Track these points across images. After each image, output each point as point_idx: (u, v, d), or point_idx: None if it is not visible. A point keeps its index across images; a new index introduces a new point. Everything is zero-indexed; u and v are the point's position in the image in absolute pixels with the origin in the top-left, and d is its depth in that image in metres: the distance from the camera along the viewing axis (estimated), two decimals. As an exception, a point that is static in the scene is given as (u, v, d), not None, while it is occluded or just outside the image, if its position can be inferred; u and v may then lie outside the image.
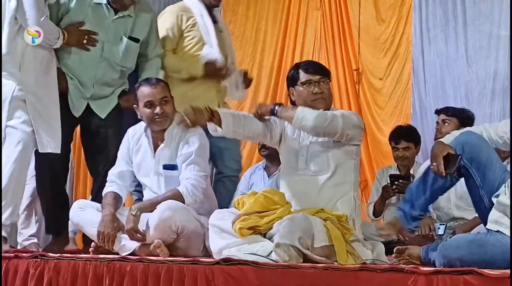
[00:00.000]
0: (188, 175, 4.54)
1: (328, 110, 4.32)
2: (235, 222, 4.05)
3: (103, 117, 5.06)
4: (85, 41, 4.96)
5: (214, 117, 4.27)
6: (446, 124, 5.87)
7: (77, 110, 5.04)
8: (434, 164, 3.69)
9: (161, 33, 5.18)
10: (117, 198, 4.64)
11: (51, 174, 4.99)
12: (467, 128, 3.86)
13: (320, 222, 3.99)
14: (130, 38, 5.06)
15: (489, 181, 3.64)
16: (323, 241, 3.94)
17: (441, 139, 3.82)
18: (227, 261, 3.67)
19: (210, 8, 5.27)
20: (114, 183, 4.73)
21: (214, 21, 5.27)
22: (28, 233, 5.58)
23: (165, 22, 5.21)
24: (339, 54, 7.13)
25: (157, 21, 5.22)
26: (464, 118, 5.78)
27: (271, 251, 3.88)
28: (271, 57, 7.55)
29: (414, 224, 3.90)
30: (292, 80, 4.38)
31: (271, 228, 4.06)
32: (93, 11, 5.00)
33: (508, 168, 3.96)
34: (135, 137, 4.79)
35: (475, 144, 3.69)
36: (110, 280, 3.93)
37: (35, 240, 5.58)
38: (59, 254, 4.27)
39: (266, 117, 4.36)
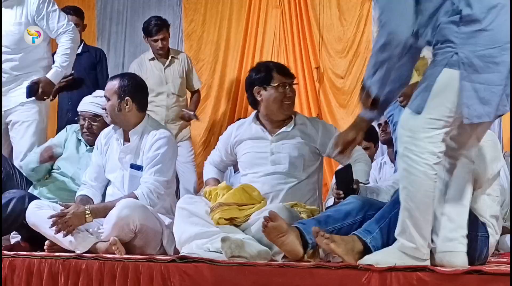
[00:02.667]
0: (147, 179, 4.56)
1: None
2: (214, 210, 4.05)
3: None
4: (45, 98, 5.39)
5: None
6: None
7: None
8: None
9: None
10: (85, 200, 4.70)
11: None
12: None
13: (297, 214, 4.04)
14: None
15: None
16: None
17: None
18: (183, 258, 3.67)
19: None
20: (86, 185, 4.82)
21: None
22: None
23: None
24: (298, 52, 7.14)
25: None
26: None
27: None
28: (234, 55, 7.55)
29: None
30: (263, 81, 4.41)
31: (246, 221, 4.08)
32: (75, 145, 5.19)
33: None
34: (106, 137, 4.86)
35: None
36: (66, 278, 3.91)
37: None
38: (13, 252, 4.25)
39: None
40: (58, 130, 5.78)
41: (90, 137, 5.09)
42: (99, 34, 8.18)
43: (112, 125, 4.81)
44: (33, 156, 5.13)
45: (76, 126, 5.24)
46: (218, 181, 4.60)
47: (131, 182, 4.65)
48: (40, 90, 5.41)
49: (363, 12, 6.99)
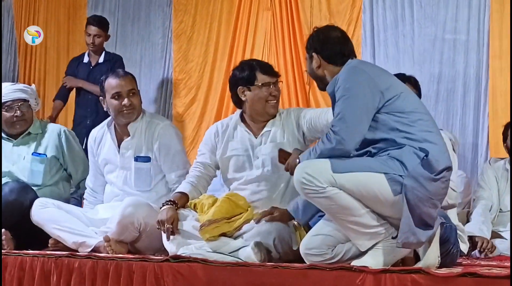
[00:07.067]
0: (173, 179, 4.61)
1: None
2: (203, 229, 4.00)
3: None
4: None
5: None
6: None
7: None
8: None
9: None
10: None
11: None
12: None
13: (292, 225, 4.01)
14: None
15: None
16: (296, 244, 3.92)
17: None
18: (176, 258, 3.68)
19: None
20: (89, 193, 4.91)
21: None
22: None
23: None
24: (289, 55, 7.12)
25: None
26: None
27: (236, 250, 3.92)
28: (224, 57, 7.54)
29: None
30: (247, 81, 4.31)
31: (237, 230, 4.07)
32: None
33: None
34: (98, 137, 4.83)
35: None
36: (58, 276, 3.92)
37: None
38: (5, 250, 4.24)
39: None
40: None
41: (22, 123, 5.01)
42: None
43: (106, 125, 4.78)
44: None
45: None
46: (185, 195, 4.35)
47: (137, 174, 4.65)
48: None
49: (353, 15, 6.98)
